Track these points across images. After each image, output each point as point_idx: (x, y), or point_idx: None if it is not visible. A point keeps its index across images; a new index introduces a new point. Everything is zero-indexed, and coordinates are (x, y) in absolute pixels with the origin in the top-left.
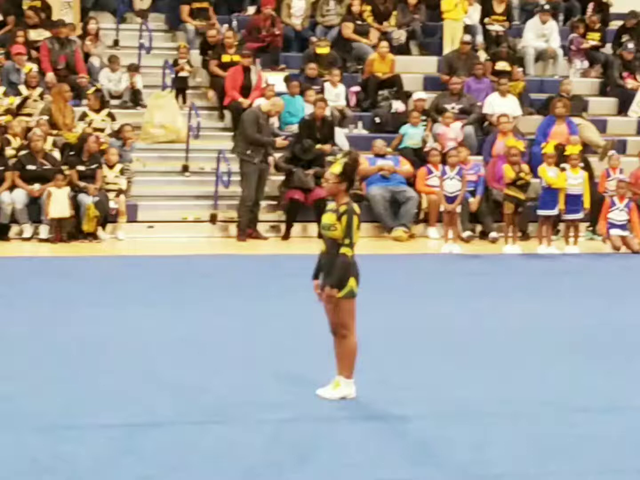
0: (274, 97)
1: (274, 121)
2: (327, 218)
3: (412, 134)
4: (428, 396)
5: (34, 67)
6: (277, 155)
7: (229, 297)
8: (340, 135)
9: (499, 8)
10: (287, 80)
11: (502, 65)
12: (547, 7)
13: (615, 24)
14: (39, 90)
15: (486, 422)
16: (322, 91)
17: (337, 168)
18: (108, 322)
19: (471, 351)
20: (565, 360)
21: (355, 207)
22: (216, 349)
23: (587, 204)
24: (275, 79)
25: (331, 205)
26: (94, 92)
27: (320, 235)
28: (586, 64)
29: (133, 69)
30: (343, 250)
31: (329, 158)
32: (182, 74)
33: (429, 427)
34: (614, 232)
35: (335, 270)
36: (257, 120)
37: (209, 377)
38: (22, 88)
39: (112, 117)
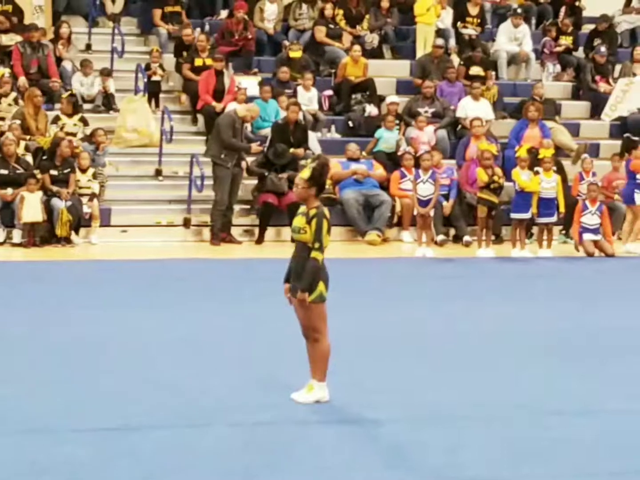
0: (249, 103)
1: (247, 125)
2: (297, 221)
3: (387, 138)
4: (401, 400)
5: (6, 71)
6: (250, 159)
7: (203, 301)
8: (313, 139)
9: (474, 10)
10: (261, 84)
11: (476, 70)
12: (519, 10)
13: (587, 28)
14: (12, 95)
15: (459, 425)
16: (295, 95)
17: (306, 173)
18: (83, 326)
19: (444, 355)
20: (538, 363)
21: (325, 211)
22: (191, 351)
23: (562, 207)
24: (248, 83)
25: (302, 208)
26: (68, 97)
27: (292, 239)
28: (558, 67)
29: (105, 73)
30: (313, 254)
31: (303, 162)
32: (154, 78)
33: (403, 431)
34: (587, 236)
35: (305, 274)
36: (232, 125)
37: (183, 379)
38: None
39: (84, 121)
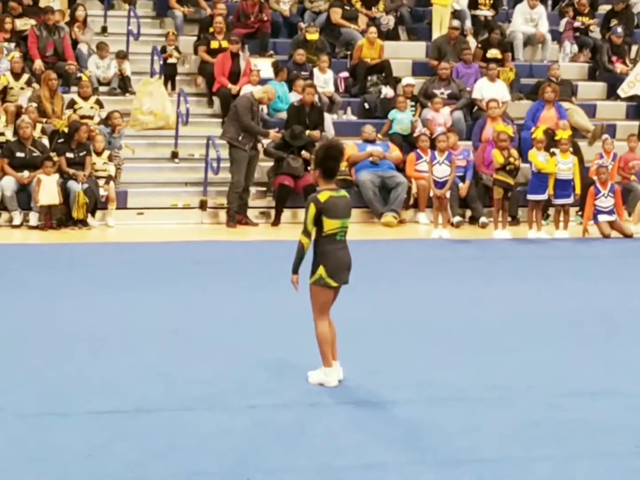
0: (266, 85)
1: (263, 107)
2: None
3: (401, 119)
4: (417, 381)
5: (16, 54)
6: (266, 141)
7: (220, 284)
8: (328, 121)
9: None
10: (276, 66)
11: (493, 53)
12: None
13: (604, 9)
14: (25, 77)
15: (474, 407)
16: (310, 77)
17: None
18: (99, 309)
19: (460, 336)
20: (554, 345)
21: (322, 195)
22: (207, 336)
23: (578, 189)
24: (264, 65)
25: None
26: (87, 79)
27: None
28: (576, 47)
29: (122, 56)
30: (299, 236)
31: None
32: (170, 60)
33: (418, 412)
34: (602, 218)
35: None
36: (250, 108)
37: (199, 364)
38: (8, 75)
39: (100, 104)
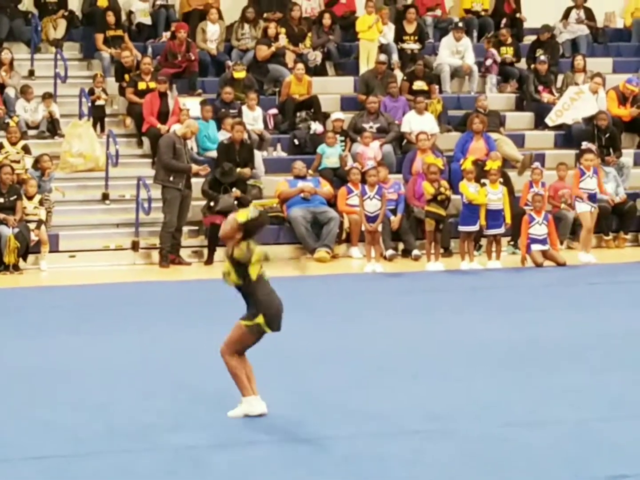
0: (187, 120)
1: (193, 146)
2: (224, 267)
3: (330, 154)
4: (357, 415)
5: None
6: (195, 180)
7: (155, 324)
8: (258, 158)
9: (410, 28)
10: (203, 104)
11: (419, 85)
12: (460, 24)
13: (528, 39)
14: None
15: (416, 438)
16: (239, 115)
17: (242, 217)
18: (35, 352)
19: (398, 368)
20: (490, 374)
21: (242, 244)
22: (142, 374)
23: (508, 218)
24: (193, 104)
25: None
26: (16, 125)
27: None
28: (500, 79)
29: (47, 96)
30: (249, 272)
31: (250, 182)
32: (98, 102)
33: (360, 446)
34: (535, 247)
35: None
36: (172, 146)
37: (138, 402)
38: None
39: (27, 150)
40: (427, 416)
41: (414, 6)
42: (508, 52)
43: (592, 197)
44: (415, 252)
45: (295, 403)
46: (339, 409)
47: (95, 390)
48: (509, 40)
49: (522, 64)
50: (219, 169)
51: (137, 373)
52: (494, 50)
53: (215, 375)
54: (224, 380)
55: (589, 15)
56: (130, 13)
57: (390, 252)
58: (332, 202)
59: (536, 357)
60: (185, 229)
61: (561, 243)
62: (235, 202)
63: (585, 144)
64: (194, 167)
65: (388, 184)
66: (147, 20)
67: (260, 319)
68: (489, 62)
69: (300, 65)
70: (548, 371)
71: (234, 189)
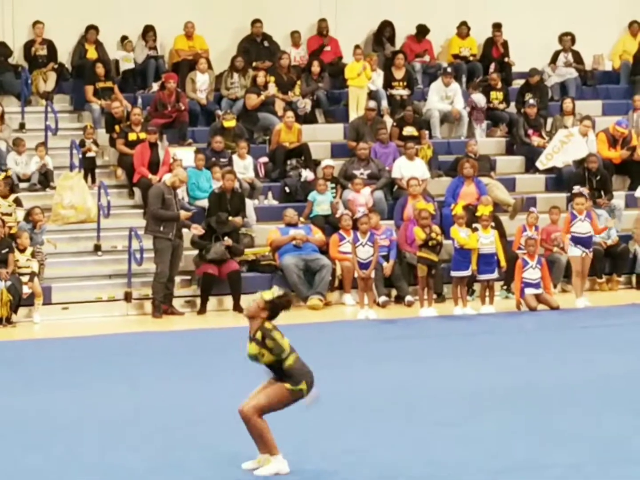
0: (176, 169)
1: (184, 196)
2: (252, 349)
3: (321, 201)
4: (356, 462)
5: None
6: (187, 230)
7: (149, 375)
8: (250, 207)
9: (399, 74)
10: (197, 153)
11: (409, 131)
12: (449, 69)
13: (517, 83)
14: None
15: None
16: (230, 164)
17: (268, 295)
18: (28, 405)
19: (394, 414)
20: (486, 419)
21: (268, 324)
22: (136, 427)
23: (502, 262)
24: (183, 154)
25: (250, 333)
26: (4, 179)
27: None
28: (490, 124)
29: (40, 145)
30: (286, 364)
31: (242, 230)
32: (89, 154)
33: None
34: (529, 291)
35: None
36: (161, 196)
37: (128, 455)
38: None
39: (18, 203)
40: (425, 462)
41: (402, 52)
42: (498, 97)
43: (585, 241)
44: (408, 298)
45: (292, 452)
46: (335, 457)
47: (87, 442)
48: (499, 84)
49: (512, 108)
50: (214, 218)
51: (129, 425)
52: (475, 96)
53: (209, 426)
54: (220, 432)
55: (577, 58)
56: (116, 62)
57: (383, 298)
58: (324, 250)
59: (531, 401)
60: (177, 278)
61: (555, 286)
62: (227, 251)
63: (577, 188)
64: (182, 214)
65: (380, 231)
66: (130, 64)
67: (303, 386)
68: (467, 108)
69: (290, 113)
70: (544, 415)
71: (225, 238)
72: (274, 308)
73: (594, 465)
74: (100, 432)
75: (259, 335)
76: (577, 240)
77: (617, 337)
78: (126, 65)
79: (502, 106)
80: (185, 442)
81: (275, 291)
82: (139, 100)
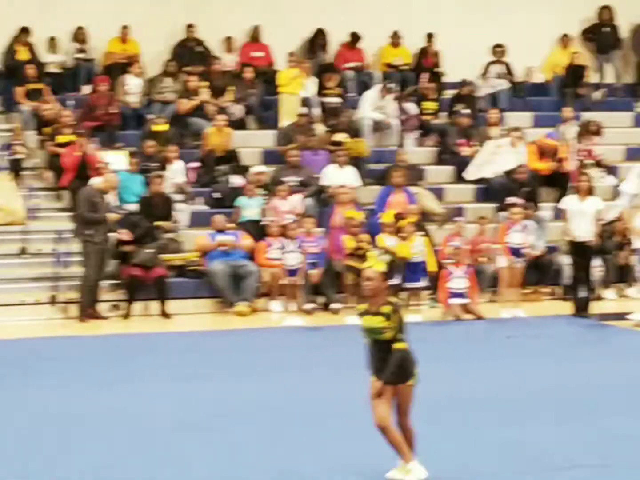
0: (107, 174)
1: (114, 199)
2: (376, 322)
3: (249, 206)
4: (277, 469)
5: None
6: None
7: (73, 379)
8: (184, 212)
9: (331, 82)
10: (132, 156)
11: (341, 137)
12: (390, 85)
13: (448, 94)
14: None
15: None
16: (162, 168)
17: (381, 266)
18: None
19: (321, 422)
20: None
21: (394, 298)
22: (55, 434)
23: (433, 266)
24: (113, 158)
25: (367, 307)
26: None
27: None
28: (420, 133)
29: None
30: (399, 345)
31: (170, 235)
32: (17, 155)
33: None
34: (454, 301)
35: (394, 366)
36: (90, 199)
37: (52, 464)
38: None
39: None
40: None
41: (335, 60)
42: (430, 107)
43: (517, 252)
44: (335, 305)
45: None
46: (259, 464)
47: (13, 449)
48: (432, 95)
49: (442, 117)
50: (128, 221)
51: (52, 432)
52: (407, 105)
53: (148, 431)
54: (159, 438)
55: (509, 69)
56: (43, 65)
57: (310, 305)
58: (252, 255)
59: (455, 410)
60: (104, 282)
61: (480, 296)
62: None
63: (511, 199)
64: (110, 216)
65: (311, 237)
66: (57, 70)
67: (416, 372)
68: (402, 116)
69: (221, 116)
70: (468, 425)
71: (152, 243)
72: (390, 272)
73: (513, 474)
74: (24, 437)
75: (386, 309)
76: (511, 251)
77: (539, 347)
78: (53, 70)
79: (433, 117)
80: (119, 445)
81: (380, 256)
82: (70, 103)
